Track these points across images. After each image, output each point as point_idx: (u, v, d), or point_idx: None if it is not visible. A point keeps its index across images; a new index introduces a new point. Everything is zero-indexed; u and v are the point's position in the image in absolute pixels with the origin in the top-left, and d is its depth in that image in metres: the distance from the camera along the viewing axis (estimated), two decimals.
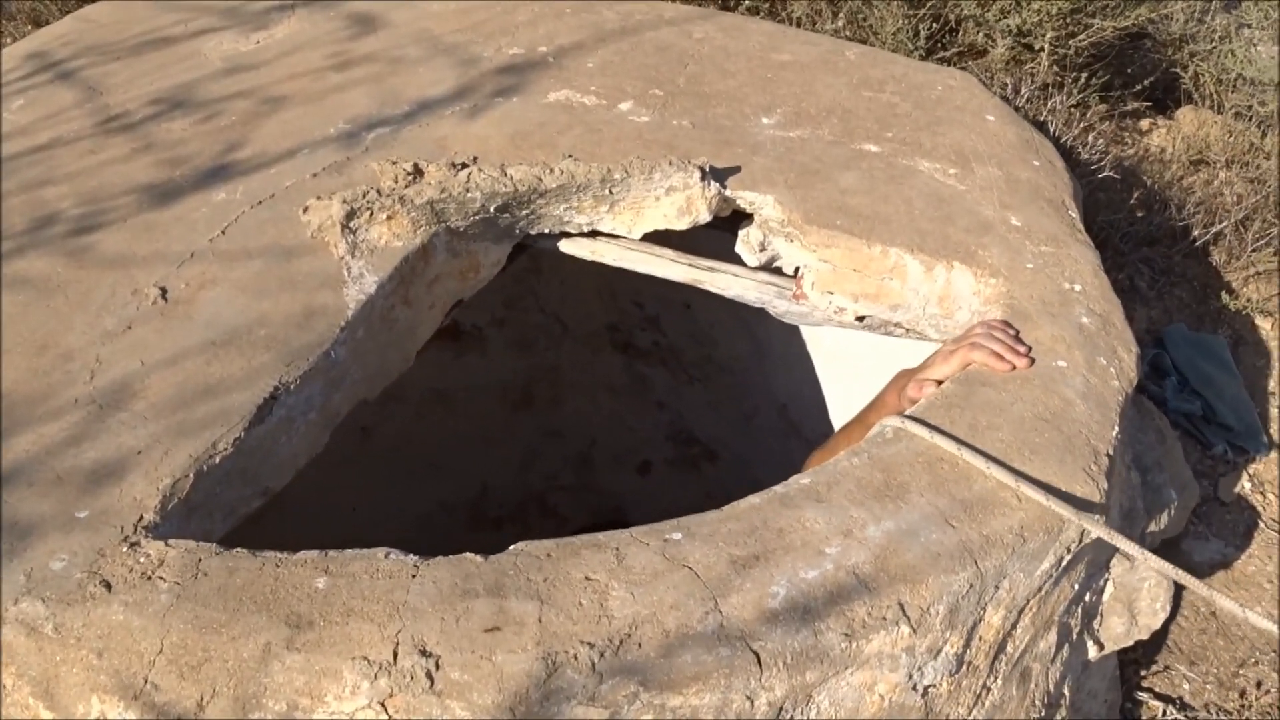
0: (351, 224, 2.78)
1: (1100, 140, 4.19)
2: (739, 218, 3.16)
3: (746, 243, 3.08)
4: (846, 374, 4.27)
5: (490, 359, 5.50)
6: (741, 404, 5.12)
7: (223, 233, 2.83)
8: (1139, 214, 4.53)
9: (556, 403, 5.67)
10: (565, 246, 3.21)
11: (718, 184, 3.01)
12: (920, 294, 2.92)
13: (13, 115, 3.33)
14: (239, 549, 2.11)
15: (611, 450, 5.79)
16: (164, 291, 2.65)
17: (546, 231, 3.12)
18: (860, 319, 3.08)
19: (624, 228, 3.08)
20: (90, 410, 2.35)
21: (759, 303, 3.20)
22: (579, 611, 1.99)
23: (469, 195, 2.84)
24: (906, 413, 2.49)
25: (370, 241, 2.80)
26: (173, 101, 3.37)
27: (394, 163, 3.00)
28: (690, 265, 3.19)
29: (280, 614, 1.96)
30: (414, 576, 2.04)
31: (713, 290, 3.22)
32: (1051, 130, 4.06)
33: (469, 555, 2.10)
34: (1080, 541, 2.33)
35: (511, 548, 2.16)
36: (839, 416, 4.36)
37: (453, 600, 1.99)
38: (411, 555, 2.11)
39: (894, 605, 2.08)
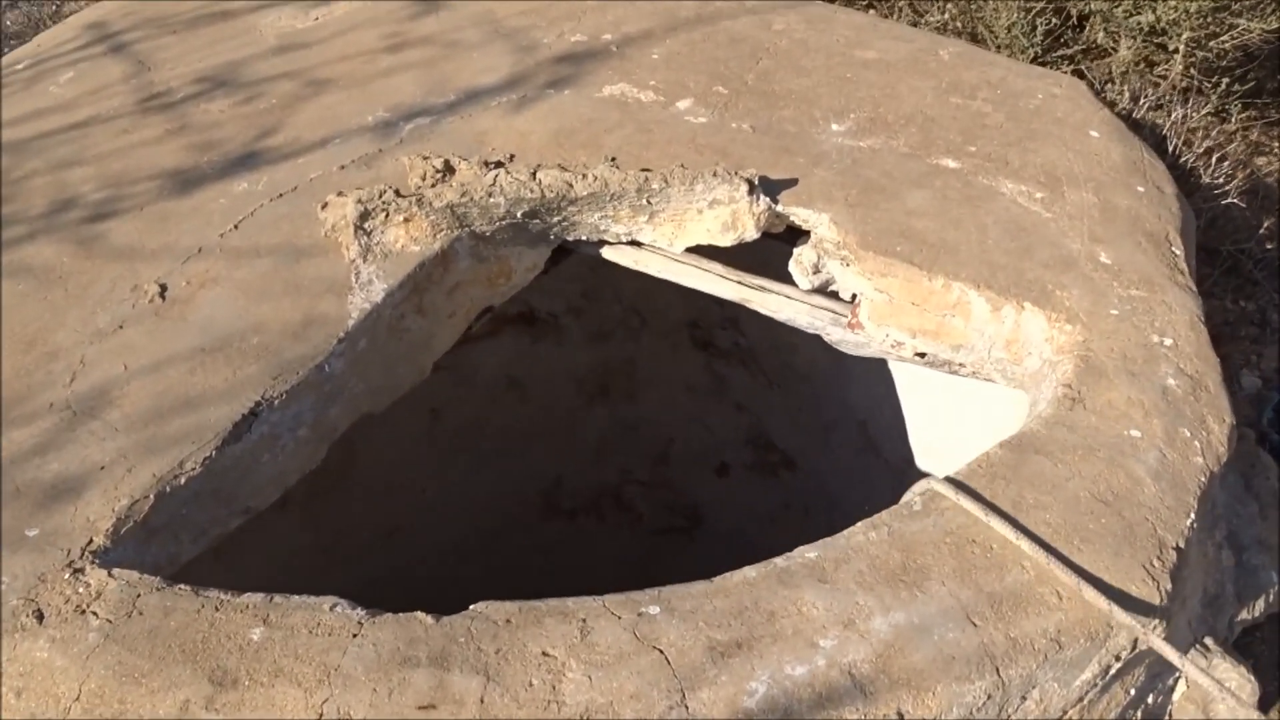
0: (366, 225, 2.61)
1: (1226, 161, 3.73)
2: (799, 232, 2.88)
3: (799, 263, 2.80)
4: (928, 397, 3.94)
5: (566, 348, 5.32)
6: (820, 415, 4.82)
7: (236, 227, 2.69)
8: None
9: (633, 397, 5.46)
10: (608, 254, 2.98)
11: (768, 199, 2.73)
12: (985, 335, 2.59)
13: (59, 89, 3.26)
14: (181, 586, 1.95)
15: (689, 449, 5.56)
16: (164, 289, 2.52)
17: (584, 239, 2.89)
18: (920, 355, 2.77)
19: (664, 240, 2.83)
20: (64, 417, 2.24)
21: (811, 328, 2.91)
22: (527, 694, 1.78)
23: (492, 201, 2.63)
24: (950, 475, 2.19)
25: (385, 245, 2.62)
26: (217, 80, 3.25)
27: (425, 158, 2.81)
28: (740, 283, 2.92)
29: (206, 668, 1.80)
30: (355, 636, 1.86)
31: (762, 311, 2.94)
32: (1171, 148, 3.63)
33: (420, 616, 1.91)
34: (1134, 649, 2.00)
35: (472, 607, 1.96)
36: (919, 439, 4.03)
37: (391, 668, 1.80)
38: (359, 609, 1.93)
39: (892, 716, 1.81)
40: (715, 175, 2.68)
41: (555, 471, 5.72)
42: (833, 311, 2.85)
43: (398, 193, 2.64)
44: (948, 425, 3.79)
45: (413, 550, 5.19)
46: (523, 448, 5.56)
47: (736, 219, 2.73)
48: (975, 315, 2.57)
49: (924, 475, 4.13)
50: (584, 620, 1.89)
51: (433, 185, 2.76)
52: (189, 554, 2.25)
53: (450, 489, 5.30)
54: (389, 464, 4.89)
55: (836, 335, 2.88)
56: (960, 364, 2.73)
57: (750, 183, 2.69)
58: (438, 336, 2.76)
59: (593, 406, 5.53)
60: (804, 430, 5.03)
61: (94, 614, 1.89)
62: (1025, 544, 1.98)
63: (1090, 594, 1.92)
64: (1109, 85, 3.94)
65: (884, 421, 4.35)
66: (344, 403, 2.52)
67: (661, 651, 1.84)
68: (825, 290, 2.85)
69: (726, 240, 2.77)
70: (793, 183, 2.81)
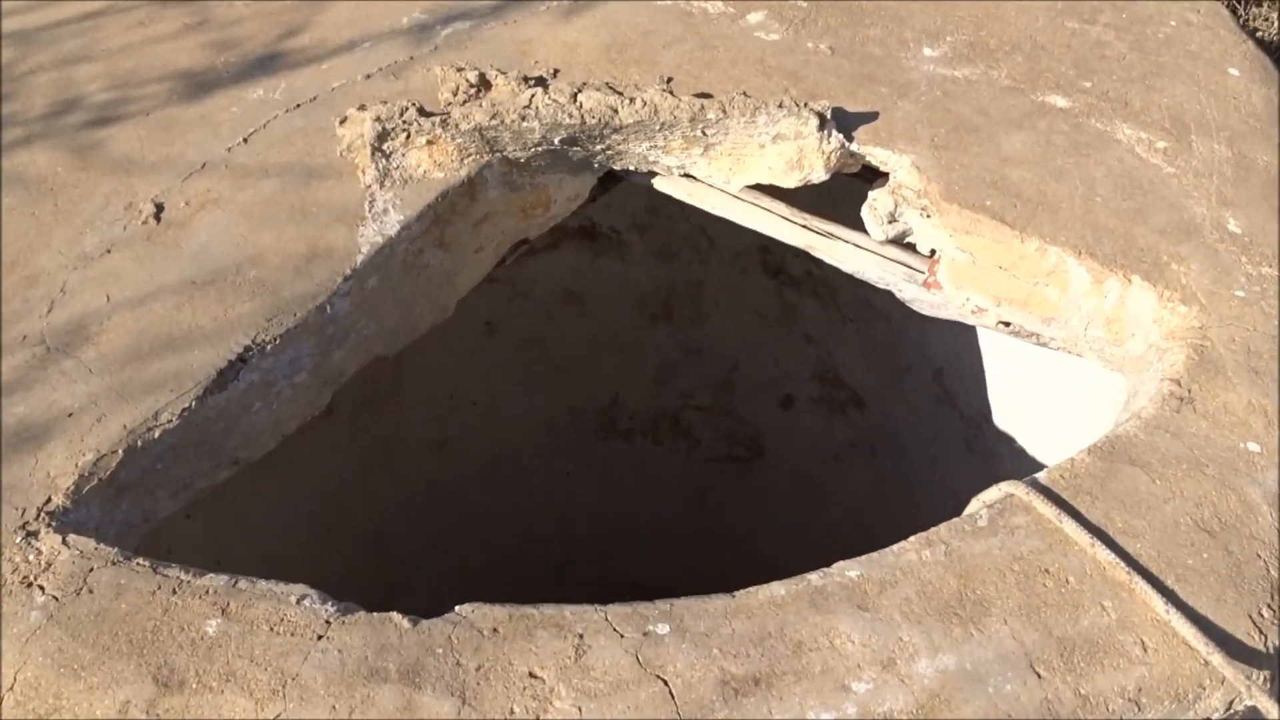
0: (385, 146, 2.32)
1: None
2: (877, 171, 2.53)
3: (873, 210, 2.46)
4: (1013, 354, 3.58)
5: (629, 265, 5.03)
6: (895, 357, 4.48)
7: (245, 141, 2.43)
8: None
9: (698, 320, 5.17)
10: (660, 185, 2.66)
11: (841, 136, 2.37)
12: (1082, 310, 2.24)
13: None
14: (139, 561, 1.74)
15: (753, 378, 5.28)
16: (159, 209, 2.28)
17: (632, 169, 2.58)
18: (1004, 324, 2.42)
19: (720, 176, 2.50)
20: (36, 352, 2.03)
21: (882, 283, 2.58)
22: None
23: (526, 125, 2.33)
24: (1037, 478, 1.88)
25: (406, 169, 2.34)
26: None
27: (459, 70, 2.50)
28: (804, 227, 2.59)
29: (152, 664, 1.60)
30: (320, 638, 1.63)
31: (828, 260, 2.62)
32: None
33: (394, 618, 1.68)
34: (1228, 710, 1.70)
35: (458, 609, 1.72)
36: (1000, 398, 3.69)
37: (355, 682, 1.58)
38: (330, 604, 1.70)
39: None
40: (781, 107, 2.33)
41: (613, 390, 5.49)
42: (908, 266, 2.51)
43: (421, 111, 2.34)
44: (1032, 388, 3.44)
45: (462, 463, 5.03)
46: (580, 365, 5.33)
47: (803, 157, 2.39)
48: (1073, 286, 2.22)
49: (1001, 437, 3.81)
50: (581, 636, 1.65)
51: (464, 102, 2.46)
52: (168, 510, 2.05)
53: (503, 403, 5.11)
54: (441, 376, 4.69)
55: (910, 293, 2.55)
56: (1049, 338, 2.38)
57: (821, 117, 2.34)
58: (462, 273, 2.49)
59: (655, 327, 5.26)
60: (876, 370, 4.71)
61: (40, 588, 1.70)
62: (1139, 582, 1.67)
63: (1195, 641, 1.61)
64: (1254, 10, 3.43)
65: (962, 373, 4.00)
66: (351, 346, 2.28)
67: (666, 683, 1.59)
68: (901, 242, 2.51)
69: (790, 181, 2.44)
70: (872, 117, 2.45)
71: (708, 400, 5.53)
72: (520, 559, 5.39)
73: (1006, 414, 3.67)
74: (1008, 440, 3.67)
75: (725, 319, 5.19)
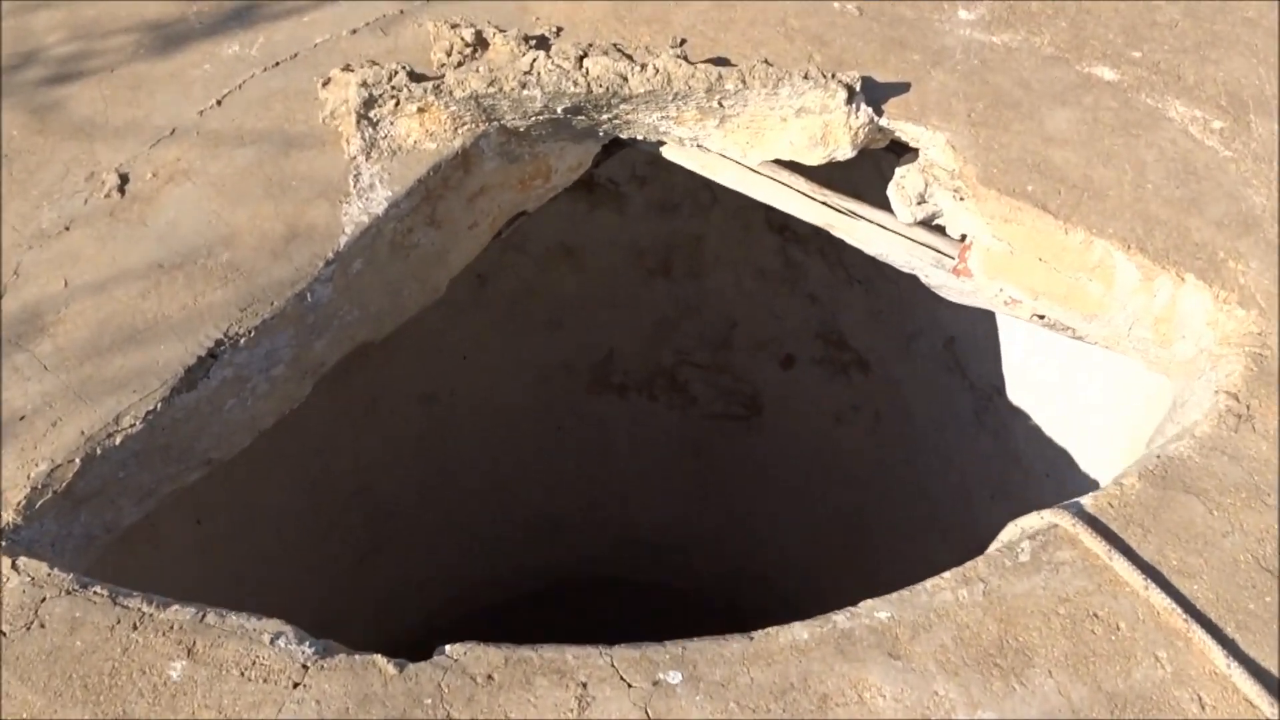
0: (371, 114, 2.12)
1: None
2: (905, 145, 2.33)
3: (901, 190, 2.26)
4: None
5: (627, 218, 4.83)
6: (904, 322, 4.31)
7: (219, 103, 2.22)
8: None
9: (697, 275, 4.98)
10: (669, 154, 2.47)
11: (870, 110, 2.17)
12: (1128, 309, 2.07)
13: None
14: (97, 590, 1.58)
15: (753, 336, 5.12)
16: (124, 181, 2.07)
17: (640, 138, 2.38)
18: (1040, 317, 2.25)
19: (736, 149, 2.30)
20: None
21: (907, 267, 2.40)
22: None
23: (526, 93, 2.12)
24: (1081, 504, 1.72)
25: (394, 139, 2.14)
26: None
27: (454, 26, 2.29)
28: (825, 204, 2.39)
29: (109, 713, 1.44)
30: (296, 686, 1.48)
31: (849, 241, 2.43)
32: None
33: (378, 662, 1.52)
34: None
35: (448, 650, 1.56)
36: (1015, 373, 3.53)
37: None
38: (307, 643, 1.54)
39: None
40: (806, 78, 2.13)
41: (608, 346, 5.32)
42: (937, 251, 2.32)
43: (412, 75, 2.13)
44: (1050, 363, 3.28)
45: (451, 417, 4.88)
46: (574, 319, 5.16)
47: (828, 133, 2.19)
48: (1120, 283, 2.04)
49: (1014, 411, 3.65)
50: (584, 685, 1.49)
51: (459, 64, 2.24)
52: (132, 518, 1.88)
53: (494, 356, 4.95)
54: (429, 329, 4.51)
55: (937, 279, 2.37)
56: (1088, 334, 2.21)
57: (850, 89, 2.14)
58: (455, 251, 2.30)
59: (653, 282, 5.08)
60: (883, 334, 4.54)
61: None
62: (1197, 631, 1.52)
63: (1259, 698, 1.47)
64: None
65: (975, 342, 3.84)
66: (333, 334, 2.10)
67: None
68: (929, 224, 2.32)
69: (814, 157, 2.24)
70: (903, 88, 2.25)
71: (706, 358, 5.38)
72: (510, 513, 5.27)
73: (1021, 388, 3.51)
74: (1021, 416, 3.51)
75: (726, 275, 5.01)
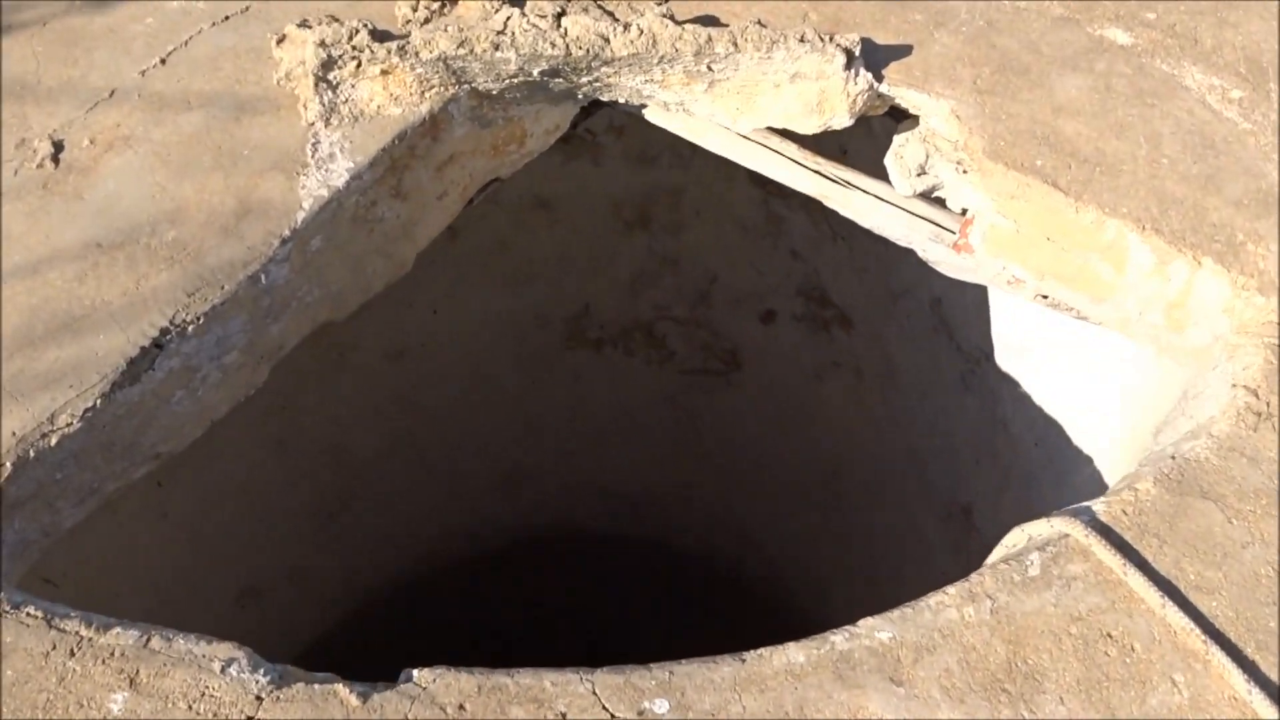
0: (331, 76, 1.95)
1: None
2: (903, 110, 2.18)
3: (900, 160, 2.13)
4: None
5: (604, 169, 4.66)
6: (889, 280, 4.19)
7: (163, 62, 2.04)
8: None
9: (676, 229, 4.84)
10: (653, 117, 2.31)
11: (870, 75, 2.03)
12: (1139, 294, 1.95)
13: None
14: (30, 611, 1.45)
15: (733, 290, 4.99)
16: (58, 149, 1.90)
17: (622, 101, 2.22)
18: (1044, 297, 2.13)
19: (725, 115, 2.15)
20: None
21: (904, 241, 2.27)
22: None
23: (500, 55, 1.95)
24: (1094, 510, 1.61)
25: (356, 104, 1.97)
26: None
27: None
28: (817, 172, 2.25)
29: None
30: None
31: (843, 213, 2.30)
32: None
33: (339, 691, 1.40)
34: None
35: (416, 676, 1.44)
36: (1005, 337, 3.42)
37: None
38: (262, 670, 1.42)
39: None
40: (802, 41, 1.97)
41: (583, 299, 5.18)
42: (936, 225, 2.19)
43: (375, 34, 1.96)
44: (1042, 330, 3.16)
45: (423, 371, 4.74)
46: (549, 272, 5.01)
47: (825, 100, 2.04)
48: (1132, 266, 1.92)
49: (1002, 378, 3.54)
50: (564, 716, 1.38)
51: (426, 21, 2.07)
52: (73, 519, 1.74)
53: (466, 310, 4.81)
54: (399, 282, 4.35)
55: (935, 254, 2.24)
56: (1095, 317, 2.09)
57: (849, 54, 1.99)
58: (422, 224, 2.15)
59: (630, 235, 4.93)
60: (867, 293, 4.42)
61: None
62: (1216, 653, 1.43)
63: None
64: None
65: (963, 304, 3.72)
66: (291, 316, 1.95)
67: None
68: (929, 196, 2.18)
69: (809, 126, 2.10)
70: (905, 51, 2.10)
71: (684, 312, 5.25)
72: (485, 467, 5.17)
73: (1010, 353, 3.40)
74: (1010, 383, 3.41)
75: (706, 229, 4.87)
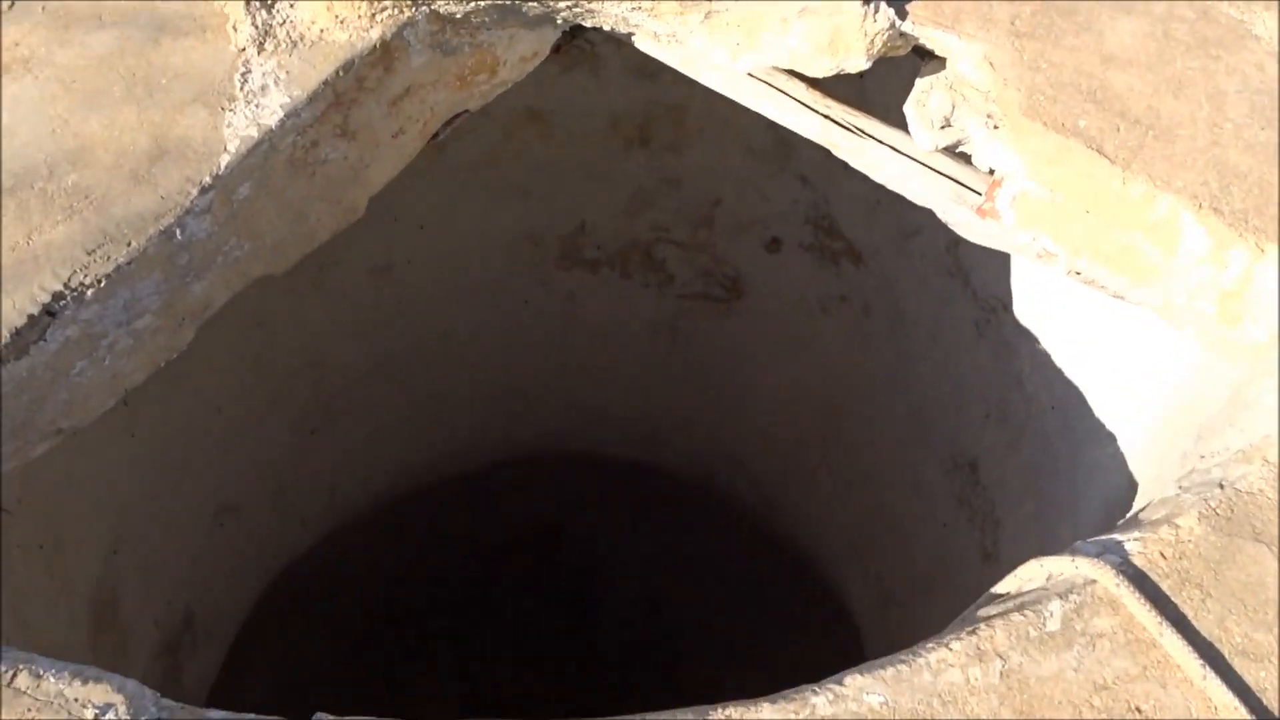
0: None
1: None
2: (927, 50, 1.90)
3: (922, 109, 1.85)
4: None
5: (603, 82, 4.36)
6: (905, 216, 3.91)
7: None
8: None
9: (678, 148, 4.55)
10: (642, 45, 2.04)
11: (891, 11, 1.74)
12: (1190, 280, 1.69)
13: None
14: None
15: (737, 215, 4.73)
16: None
17: (607, 29, 1.94)
18: (1077, 274, 1.88)
19: (723, 51, 1.88)
20: None
21: (922, 200, 2.01)
22: None
23: None
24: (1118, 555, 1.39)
25: (295, 27, 1.70)
26: None
27: None
28: (826, 117, 1.99)
29: None
30: None
31: (854, 165, 2.03)
32: None
33: None
34: None
35: None
36: (1024, 287, 3.16)
37: None
38: (142, 717, 1.21)
39: None
40: None
41: (579, 218, 4.93)
42: (958, 184, 1.93)
43: None
44: (1071, 297, 2.90)
45: (408, 289, 4.53)
46: (542, 189, 4.75)
47: (837, 39, 1.76)
48: (1184, 248, 1.66)
49: (1020, 331, 3.28)
50: None
51: None
52: None
53: (455, 226, 4.56)
54: (382, 196, 4.11)
55: (956, 217, 1.99)
56: (1134, 298, 1.84)
57: None
58: (376, 165, 1.89)
59: (630, 152, 4.65)
60: (879, 226, 4.15)
61: None
62: None
63: None
64: None
65: (982, 250, 3.44)
66: (218, 272, 1.71)
67: None
68: (953, 151, 1.91)
69: (819, 68, 1.82)
70: None
71: (685, 234, 5.00)
72: (472, 386, 4.98)
73: (1030, 306, 3.15)
74: (1028, 338, 3.16)
75: (710, 149, 4.59)
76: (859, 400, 4.51)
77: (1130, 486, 2.31)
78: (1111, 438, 2.53)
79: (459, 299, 4.64)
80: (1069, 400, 2.83)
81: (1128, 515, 1.86)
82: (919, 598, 4.26)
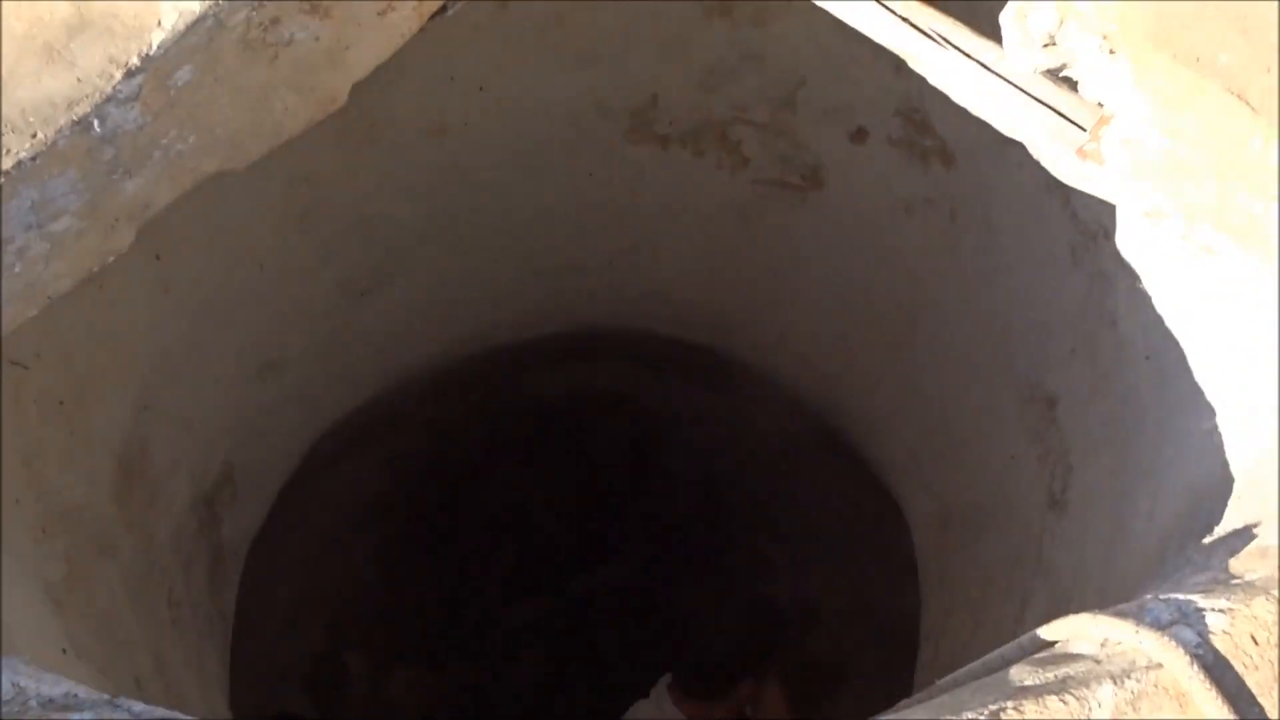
0: None
1: None
2: None
3: (1022, 21, 1.51)
4: None
5: None
6: None
7: None
8: None
9: (762, 20, 4.18)
10: None
11: None
12: None
13: None
14: None
15: (822, 99, 4.36)
16: None
17: None
18: (1191, 240, 1.54)
19: None
20: None
21: (1010, 130, 1.68)
22: None
23: None
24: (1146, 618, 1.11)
25: None
26: None
27: None
28: (905, 22, 1.65)
29: None
30: None
31: (933, 82, 1.70)
32: None
33: None
34: None
35: None
36: (1132, 220, 2.77)
37: None
38: None
39: None
40: None
41: (650, 90, 4.63)
42: (1058, 115, 1.58)
43: None
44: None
45: (465, 152, 4.31)
46: (613, 56, 4.44)
47: None
48: None
49: (1120, 263, 2.89)
50: None
51: None
52: None
53: (516, 89, 4.30)
54: (439, 53, 3.86)
55: (1051, 154, 1.65)
56: (1255, 271, 1.50)
57: None
58: (360, 46, 1.59)
59: (709, 22, 4.31)
60: (975, 127, 3.73)
61: None
62: None
63: None
64: None
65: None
66: (157, 168, 1.45)
67: None
68: (1056, 75, 1.56)
69: None
70: None
71: (764, 116, 4.68)
72: (528, 257, 4.80)
73: (1135, 239, 2.76)
74: (1128, 273, 2.78)
75: (797, 25, 4.24)
76: (935, 311, 4.22)
77: (1224, 477, 1.98)
78: (1210, 411, 2.19)
79: (518, 167, 4.43)
80: (1167, 354, 2.48)
81: (1216, 532, 1.57)
82: (978, 531, 4.03)
